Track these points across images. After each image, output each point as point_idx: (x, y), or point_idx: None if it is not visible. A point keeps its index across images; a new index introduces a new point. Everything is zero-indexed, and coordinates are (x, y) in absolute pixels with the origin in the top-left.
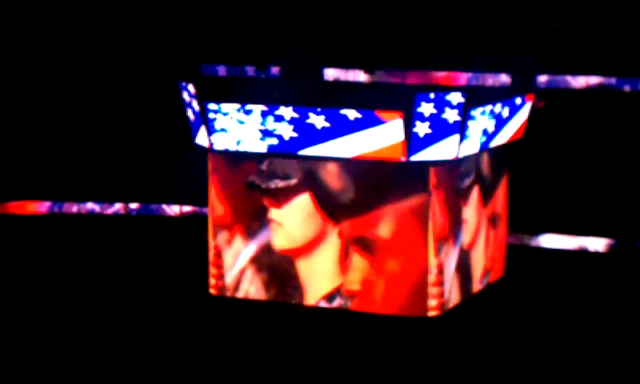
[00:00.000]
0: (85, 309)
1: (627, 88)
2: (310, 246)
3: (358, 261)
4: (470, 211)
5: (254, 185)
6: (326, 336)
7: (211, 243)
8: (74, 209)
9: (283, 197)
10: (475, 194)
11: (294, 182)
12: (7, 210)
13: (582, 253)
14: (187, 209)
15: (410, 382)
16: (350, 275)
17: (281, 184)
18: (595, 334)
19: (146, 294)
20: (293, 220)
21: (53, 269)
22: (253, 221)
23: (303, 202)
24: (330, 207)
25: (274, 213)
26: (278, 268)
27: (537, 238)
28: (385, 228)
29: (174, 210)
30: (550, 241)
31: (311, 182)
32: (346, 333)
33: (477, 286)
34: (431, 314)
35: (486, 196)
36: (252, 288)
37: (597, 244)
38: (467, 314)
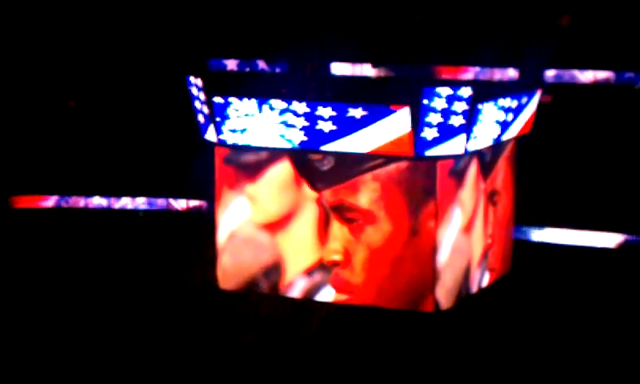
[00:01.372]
0: (92, 303)
1: None
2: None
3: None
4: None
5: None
6: (328, 332)
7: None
8: (81, 203)
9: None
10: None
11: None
12: (15, 204)
13: (590, 249)
14: (194, 203)
15: (407, 380)
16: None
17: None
18: (602, 331)
19: (151, 288)
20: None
21: (59, 263)
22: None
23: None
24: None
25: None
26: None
27: (544, 234)
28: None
29: (180, 204)
30: (557, 236)
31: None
32: (337, 326)
33: (476, 268)
34: (424, 304)
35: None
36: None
37: (605, 240)
38: (473, 309)
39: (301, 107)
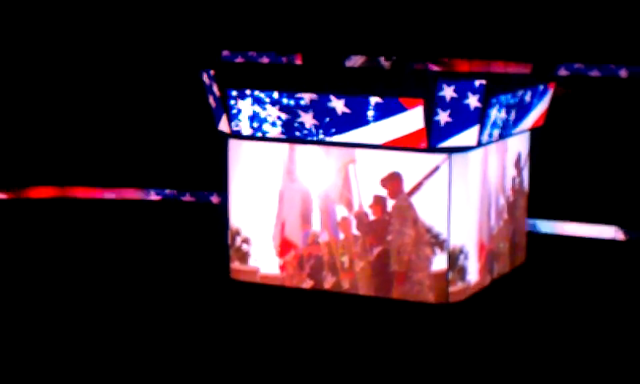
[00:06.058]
0: (104, 295)
1: None
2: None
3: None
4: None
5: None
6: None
7: (231, 226)
8: (95, 194)
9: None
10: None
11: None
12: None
13: (604, 241)
14: (208, 194)
15: (417, 373)
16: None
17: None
18: (613, 324)
19: (164, 278)
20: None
21: (72, 253)
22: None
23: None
24: None
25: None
26: None
27: (559, 226)
28: None
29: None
30: (571, 228)
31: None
32: (346, 317)
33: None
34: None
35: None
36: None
37: (617, 233)
38: (486, 299)
39: (313, 98)
